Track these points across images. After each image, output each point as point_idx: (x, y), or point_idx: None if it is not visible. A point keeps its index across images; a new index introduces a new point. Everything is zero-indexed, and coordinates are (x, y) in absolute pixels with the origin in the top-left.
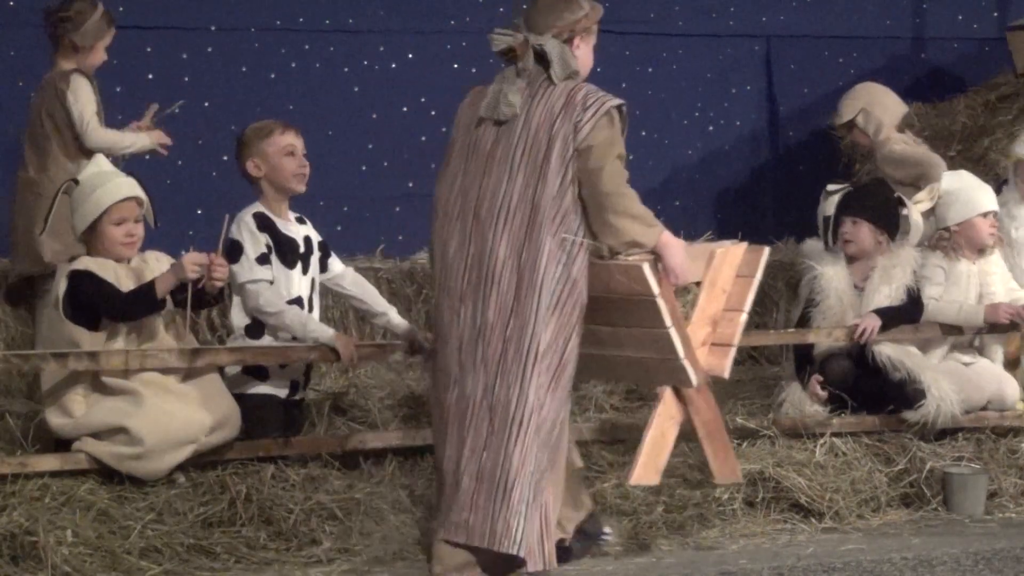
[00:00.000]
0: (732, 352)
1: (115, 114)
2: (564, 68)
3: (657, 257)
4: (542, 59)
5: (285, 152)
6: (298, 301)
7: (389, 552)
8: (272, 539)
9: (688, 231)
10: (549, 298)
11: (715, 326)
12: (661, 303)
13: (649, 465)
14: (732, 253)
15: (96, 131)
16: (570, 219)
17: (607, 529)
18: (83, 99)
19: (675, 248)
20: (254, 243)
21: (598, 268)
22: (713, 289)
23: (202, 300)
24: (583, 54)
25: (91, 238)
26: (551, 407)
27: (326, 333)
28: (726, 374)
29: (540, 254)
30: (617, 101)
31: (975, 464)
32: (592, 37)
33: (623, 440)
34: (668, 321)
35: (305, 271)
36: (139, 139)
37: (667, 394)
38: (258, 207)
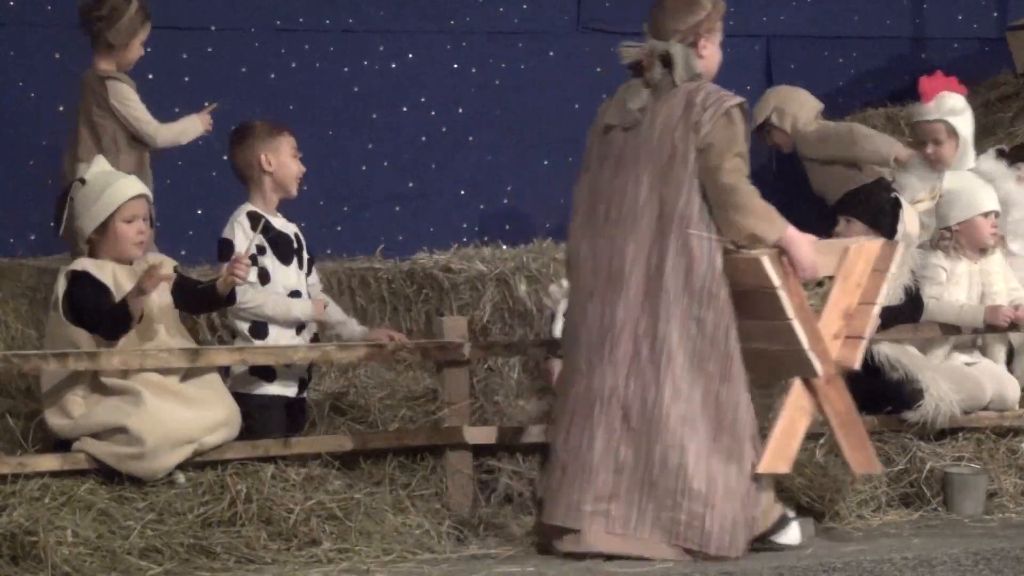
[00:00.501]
0: (864, 345)
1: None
2: (688, 71)
3: (782, 251)
4: (668, 63)
5: (293, 153)
6: (296, 295)
7: (389, 552)
8: (272, 539)
9: None
10: (700, 293)
11: (848, 319)
12: (783, 295)
13: (778, 454)
14: (867, 248)
15: (162, 132)
16: (700, 217)
17: None
18: (132, 104)
19: (801, 242)
20: (245, 242)
21: (724, 262)
22: (847, 283)
23: (211, 300)
24: (709, 54)
25: (100, 238)
26: (724, 399)
27: (307, 310)
28: (856, 366)
29: (675, 253)
30: (737, 100)
31: (975, 464)
32: (717, 35)
33: None
34: (791, 313)
35: (300, 266)
36: (196, 126)
37: (796, 384)
38: (250, 206)
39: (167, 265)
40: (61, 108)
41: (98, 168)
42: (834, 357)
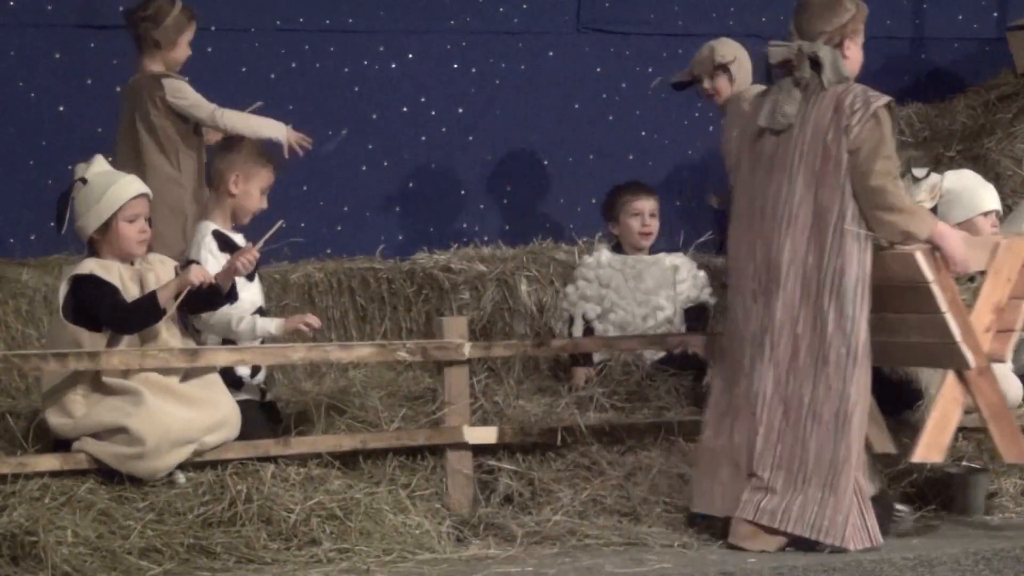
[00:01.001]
0: (1014, 338)
1: (116, 115)
2: (836, 73)
3: (934, 247)
4: (816, 64)
5: (264, 190)
6: (261, 311)
7: (389, 552)
8: (272, 539)
9: (688, 231)
10: (852, 293)
11: (999, 313)
12: (936, 289)
13: (932, 444)
14: (1018, 245)
15: (224, 113)
16: (853, 217)
17: (899, 505)
18: (191, 95)
19: (953, 238)
20: (215, 265)
21: (878, 258)
22: (998, 278)
23: (213, 300)
24: (853, 54)
25: (103, 238)
26: (853, 396)
27: (278, 324)
28: (1007, 359)
29: (830, 253)
30: (884, 100)
31: (975, 464)
32: (860, 36)
33: (623, 440)
34: (944, 306)
35: (260, 280)
36: (274, 129)
37: (950, 377)
38: (212, 224)
39: (167, 265)
40: (61, 108)
41: (98, 168)
42: (985, 350)
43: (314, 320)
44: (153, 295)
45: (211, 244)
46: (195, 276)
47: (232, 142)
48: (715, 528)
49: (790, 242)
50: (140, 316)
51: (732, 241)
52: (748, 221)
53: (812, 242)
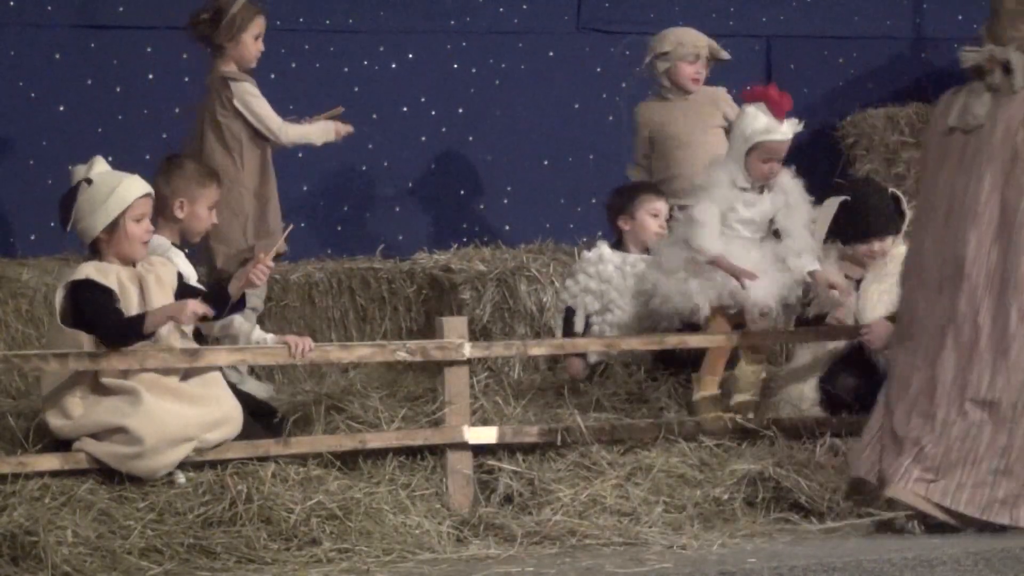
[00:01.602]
0: None
1: (115, 115)
2: None
3: None
4: (1007, 69)
5: (211, 206)
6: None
7: (389, 552)
8: (272, 539)
9: None
10: None
11: None
12: None
13: None
14: None
15: (286, 130)
16: None
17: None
18: (257, 104)
19: None
20: (193, 275)
21: None
22: None
23: (218, 303)
24: None
25: (109, 237)
26: None
27: (274, 339)
28: None
29: (1014, 250)
30: None
31: None
32: None
33: (623, 440)
34: None
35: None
36: (328, 133)
37: None
38: (166, 241)
39: (169, 269)
40: (61, 108)
41: (100, 168)
42: None
43: (307, 346)
44: (141, 321)
45: (179, 254)
46: (187, 318)
47: (172, 165)
48: (869, 495)
49: (975, 237)
50: (126, 339)
51: (916, 236)
52: (935, 217)
53: (998, 239)
